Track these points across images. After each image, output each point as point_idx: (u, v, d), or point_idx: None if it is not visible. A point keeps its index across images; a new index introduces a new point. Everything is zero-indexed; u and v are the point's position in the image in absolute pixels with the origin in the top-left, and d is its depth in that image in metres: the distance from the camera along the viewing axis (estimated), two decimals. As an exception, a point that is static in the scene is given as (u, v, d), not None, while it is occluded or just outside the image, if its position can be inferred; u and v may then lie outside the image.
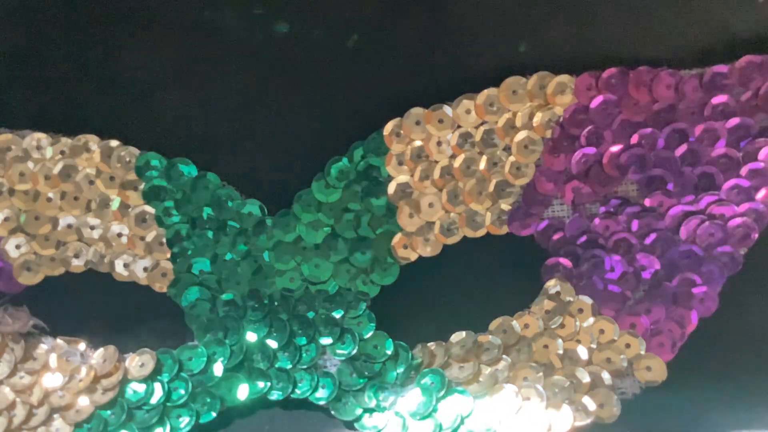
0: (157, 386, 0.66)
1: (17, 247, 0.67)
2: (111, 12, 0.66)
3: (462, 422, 0.65)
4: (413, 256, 0.68)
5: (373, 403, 0.66)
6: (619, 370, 0.66)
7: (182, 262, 0.67)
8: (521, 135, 0.66)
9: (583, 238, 0.67)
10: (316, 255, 0.67)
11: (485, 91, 0.66)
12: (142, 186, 0.67)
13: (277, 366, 0.67)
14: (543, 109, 0.66)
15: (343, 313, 0.67)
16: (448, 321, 0.68)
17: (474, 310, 0.68)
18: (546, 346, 0.66)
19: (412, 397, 0.66)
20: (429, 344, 0.68)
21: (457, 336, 0.67)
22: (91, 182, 0.67)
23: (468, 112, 0.66)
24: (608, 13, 0.66)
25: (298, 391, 0.67)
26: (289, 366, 0.67)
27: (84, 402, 0.65)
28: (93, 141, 0.67)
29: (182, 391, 0.66)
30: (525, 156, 0.66)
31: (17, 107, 0.67)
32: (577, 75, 0.65)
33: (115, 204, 0.67)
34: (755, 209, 0.65)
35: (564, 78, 0.65)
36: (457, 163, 0.67)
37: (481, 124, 0.67)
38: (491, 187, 0.67)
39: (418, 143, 0.67)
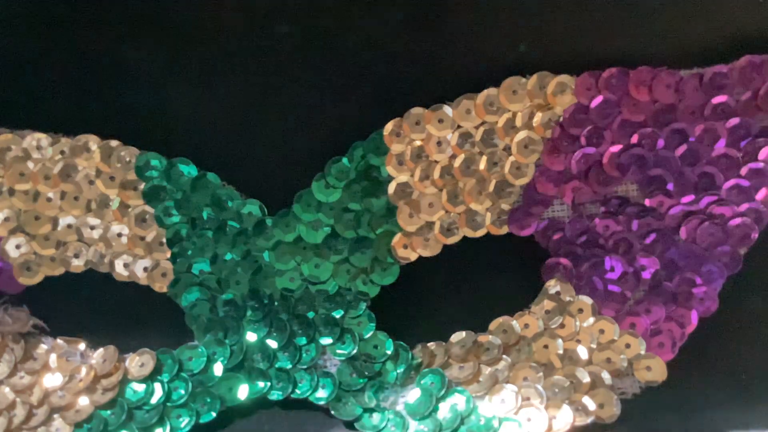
0: (157, 386, 0.66)
1: (17, 247, 0.67)
2: (112, 12, 0.66)
3: (462, 422, 0.65)
4: (413, 256, 0.68)
5: (373, 403, 0.66)
6: (619, 370, 0.66)
7: (182, 262, 0.67)
8: (521, 135, 0.66)
9: (583, 238, 0.67)
10: (316, 255, 0.67)
11: (485, 91, 0.66)
12: (142, 186, 0.67)
13: (277, 366, 0.67)
14: (543, 109, 0.66)
15: (343, 313, 0.67)
16: (448, 321, 0.68)
17: (474, 310, 0.68)
18: (546, 346, 0.66)
19: (412, 397, 0.66)
20: (429, 344, 0.68)
21: (457, 336, 0.67)
22: (91, 182, 0.67)
23: (468, 112, 0.66)
24: (608, 13, 0.65)
25: (298, 391, 0.67)
26: (289, 366, 0.67)
27: (84, 402, 0.65)
28: (93, 141, 0.67)
29: (182, 391, 0.66)
30: (525, 156, 0.66)
31: (17, 107, 0.67)
32: (577, 75, 0.65)
33: (115, 204, 0.67)
34: (755, 209, 0.65)
35: (564, 78, 0.65)
36: (457, 163, 0.67)
37: (481, 124, 0.67)
38: (491, 187, 0.67)
39: (418, 143, 0.67)
